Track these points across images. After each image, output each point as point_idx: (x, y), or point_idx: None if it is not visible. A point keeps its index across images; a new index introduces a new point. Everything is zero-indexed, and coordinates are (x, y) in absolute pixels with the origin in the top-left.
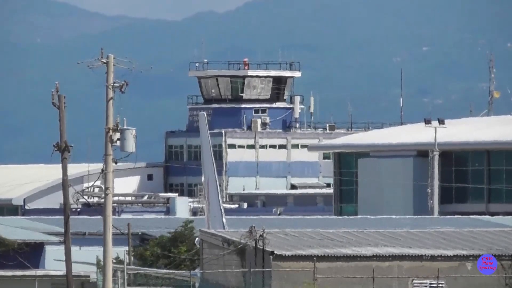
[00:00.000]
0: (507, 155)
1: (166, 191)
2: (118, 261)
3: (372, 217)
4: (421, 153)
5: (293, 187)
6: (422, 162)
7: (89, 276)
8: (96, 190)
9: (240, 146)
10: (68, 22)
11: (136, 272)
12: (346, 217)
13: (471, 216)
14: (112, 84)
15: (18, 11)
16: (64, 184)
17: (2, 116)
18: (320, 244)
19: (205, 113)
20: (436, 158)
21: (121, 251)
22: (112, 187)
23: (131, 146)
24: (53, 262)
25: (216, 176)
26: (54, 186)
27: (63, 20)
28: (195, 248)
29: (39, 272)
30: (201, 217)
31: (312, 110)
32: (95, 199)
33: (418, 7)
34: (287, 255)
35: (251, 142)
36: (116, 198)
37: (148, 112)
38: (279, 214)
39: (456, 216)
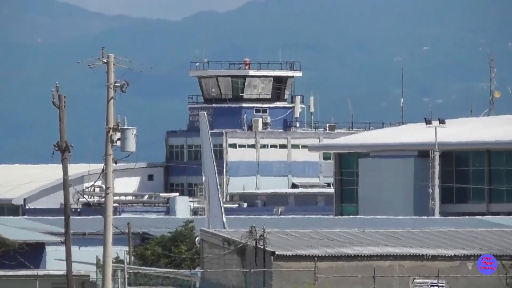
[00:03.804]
0: (507, 155)
1: (166, 191)
2: (118, 260)
3: (372, 217)
4: (422, 153)
5: (293, 186)
6: (423, 162)
7: (89, 276)
8: (97, 190)
9: (241, 146)
10: (68, 22)
11: (136, 271)
12: (346, 217)
13: (472, 216)
14: (112, 84)
15: (18, 11)
16: (65, 184)
17: (2, 116)
18: (320, 244)
19: (205, 112)
20: (437, 158)
21: (122, 250)
22: (112, 187)
23: (131, 146)
24: (54, 262)
25: (217, 175)
26: (54, 186)
27: (63, 20)
28: (196, 247)
29: (40, 272)
30: (201, 216)
31: (312, 110)
32: (96, 199)
33: (418, 7)
34: (288, 255)
35: (251, 141)
36: (116, 198)
37: (149, 112)
38: (279, 214)
39: (456, 216)
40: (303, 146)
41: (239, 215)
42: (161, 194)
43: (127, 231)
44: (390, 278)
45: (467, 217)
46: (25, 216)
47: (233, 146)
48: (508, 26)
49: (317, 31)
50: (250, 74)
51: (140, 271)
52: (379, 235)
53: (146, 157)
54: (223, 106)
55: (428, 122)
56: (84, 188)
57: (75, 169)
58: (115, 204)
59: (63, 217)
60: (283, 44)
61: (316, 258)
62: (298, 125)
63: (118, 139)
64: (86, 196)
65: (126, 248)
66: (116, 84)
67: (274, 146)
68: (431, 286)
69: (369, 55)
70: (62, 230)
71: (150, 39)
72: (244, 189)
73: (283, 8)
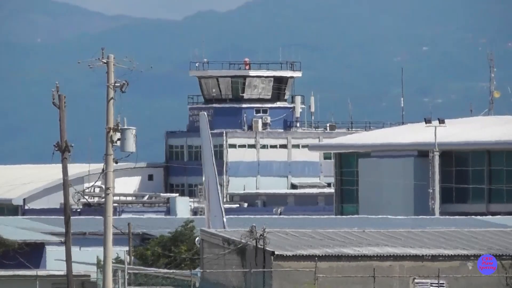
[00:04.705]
0: (507, 155)
1: (166, 191)
2: (119, 261)
3: (372, 217)
4: (422, 153)
5: (293, 186)
6: (423, 162)
7: (89, 276)
8: (97, 190)
9: (241, 146)
10: (68, 21)
11: (136, 271)
12: (346, 216)
13: (472, 216)
14: (112, 84)
15: (18, 11)
16: (65, 184)
17: (2, 116)
18: (321, 244)
19: (205, 113)
20: (437, 158)
21: (122, 251)
22: (112, 187)
23: (131, 146)
24: (54, 262)
25: (217, 176)
26: (54, 186)
27: (63, 20)
28: (196, 247)
29: (40, 272)
30: (201, 217)
31: (312, 109)
32: (96, 199)
33: (418, 7)
34: (287, 255)
35: (251, 142)
36: (116, 198)
37: (149, 112)
38: (279, 214)
39: (456, 216)
40: (303, 146)
41: (239, 215)
42: (161, 194)
43: (127, 231)
44: (390, 278)
45: (467, 217)
46: (25, 216)
47: (233, 146)
48: (508, 26)
49: (317, 31)
50: (250, 74)
51: (140, 271)
52: (379, 235)
53: (146, 157)
54: (223, 106)
55: (428, 122)
56: (84, 188)
57: (75, 169)
58: (115, 204)
59: (63, 217)
60: (283, 44)
61: (316, 258)
62: (298, 125)
63: (118, 139)
64: (86, 197)
65: (126, 248)
66: (116, 84)
67: (274, 146)
68: (431, 286)
69: (369, 55)
70: (62, 230)
71: (150, 39)
72: (244, 189)
73: (283, 8)
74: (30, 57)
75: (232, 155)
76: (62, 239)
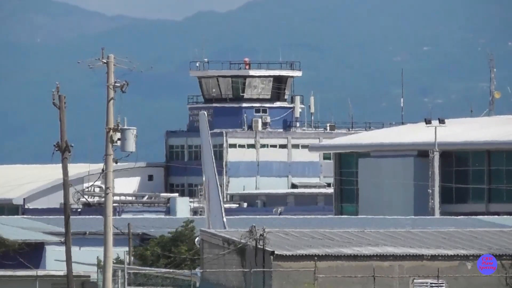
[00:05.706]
0: (507, 155)
1: (166, 191)
2: (119, 261)
3: (372, 217)
4: (422, 153)
5: (293, 187)
6: (423, 162)
7: (89, 276)
8: (97, 190)
9: (241, 146)
10: (68, 22)
11: (136, 272)
12: (346, 216)
13: (472, 216)
14: (112, 84)
15: (18, 11)
16: (65, 184)
17: (2, 116)
18: (320, 243)
19: (205, 112)
20: (437, 158)
21: (122, 251)
22: (112, 187)
23: (131, 146)
24: (54, 262)
25: (217, 176)
26: (54, 186)
27: (63, 20)
28: (196, 247)
29: (40, 272)
30: (201, 217)
31: (312, 110)
32: (96, 199)
33: (418, 7)
34: (287, 255)
35: (251, 141)
36: (116, 198)
37: (149, 112)
38: (279, 214)
39: (456, 216)
40: (303, 146)
41: (239, 215)
42: (161, 194)
43: (127, 231)
44: (390, 278)
45: (467, 217)
46: (25, 216)
47: (233, 146)
48: (508, 26)
49: (317, 31)
50: (250, 74)
51: (140, 271)
52: (378, 235)
53: (146, 157)
54: (223, 106)
55: (428, 122)
56: (84, 188)
57: (75, 169)
58: (115, 204)
59: (63, 217)
60: (283, 44)
61: (316, 258)
62: (298, 125)
63: (118, 139)
64: (86, 196)
65: (126, 248)
66: (116, 84)
67: (274, 146)
68: (430, 286)
69: (369, 55)
70: (62, 230)
71: (150, 39)
72: (244, 190)
73: (283, 8)
74: (30, 57)
75: (232, 155)
76: (62, 239)
